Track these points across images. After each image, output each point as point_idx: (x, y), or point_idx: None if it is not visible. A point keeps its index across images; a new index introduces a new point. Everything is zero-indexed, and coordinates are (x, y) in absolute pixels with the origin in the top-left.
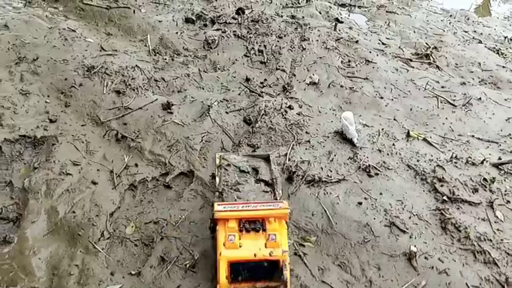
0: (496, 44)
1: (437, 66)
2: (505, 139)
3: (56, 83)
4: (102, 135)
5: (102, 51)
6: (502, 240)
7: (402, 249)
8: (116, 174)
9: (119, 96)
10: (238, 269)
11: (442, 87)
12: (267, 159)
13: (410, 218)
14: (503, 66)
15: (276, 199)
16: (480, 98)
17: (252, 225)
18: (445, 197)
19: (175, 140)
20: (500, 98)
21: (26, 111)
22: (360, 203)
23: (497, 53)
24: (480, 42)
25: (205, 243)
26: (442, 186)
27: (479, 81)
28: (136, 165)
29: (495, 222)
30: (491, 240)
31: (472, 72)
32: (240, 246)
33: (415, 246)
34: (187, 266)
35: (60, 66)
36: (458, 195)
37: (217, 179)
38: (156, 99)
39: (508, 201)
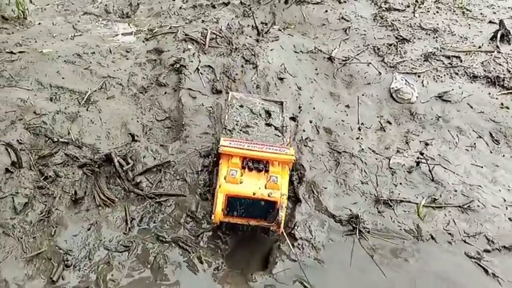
0: None
1: None
2: None
3: None
4: None
5: None
6: (407, 20)
7: (343, 27)
8: None
9: None
10: (235, 204)
11: None
12: (281, 104)
13: (355, 16)
14: None
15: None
16: None
17: (256, 164)
18: (384, 9)
19: None
20: None
21: None
22: (326, 11)
23: None
24: None
25: None
26: (385, 4)
27: None
28: None
29: (411, 18)
30: (399, 20)
31: None
32: (241, 183)
33: (351, 24)
34: None
35: None
36: (393, 7)
37: (226, 116)
38: None
39: (428, 11)
